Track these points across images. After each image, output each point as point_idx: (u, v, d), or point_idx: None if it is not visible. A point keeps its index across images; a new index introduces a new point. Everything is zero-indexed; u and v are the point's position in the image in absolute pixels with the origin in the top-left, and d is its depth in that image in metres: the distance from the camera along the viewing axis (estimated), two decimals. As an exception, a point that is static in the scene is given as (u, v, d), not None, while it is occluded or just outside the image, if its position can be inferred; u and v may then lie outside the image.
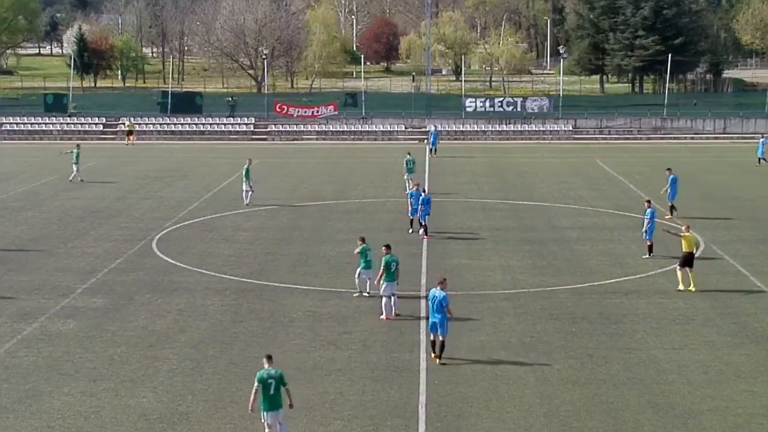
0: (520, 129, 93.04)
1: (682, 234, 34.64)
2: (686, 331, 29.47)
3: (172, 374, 25.58)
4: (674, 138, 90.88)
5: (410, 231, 43.38)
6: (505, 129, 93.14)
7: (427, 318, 27.41)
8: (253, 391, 20.88)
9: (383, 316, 30.34)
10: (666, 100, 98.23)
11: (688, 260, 34.15)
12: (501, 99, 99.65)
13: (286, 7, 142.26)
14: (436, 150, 76.12)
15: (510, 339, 28.68)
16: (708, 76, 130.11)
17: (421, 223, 42.77)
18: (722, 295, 33.58)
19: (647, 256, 38.62)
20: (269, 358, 21.12)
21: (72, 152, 62.32)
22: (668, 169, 49.25)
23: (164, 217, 48.46)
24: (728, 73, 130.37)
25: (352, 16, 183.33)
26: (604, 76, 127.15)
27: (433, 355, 26.30)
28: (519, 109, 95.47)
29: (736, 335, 29.10)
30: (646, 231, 39.03)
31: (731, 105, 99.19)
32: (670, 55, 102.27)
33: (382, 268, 30.69)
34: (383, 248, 31.30)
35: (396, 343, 28.06)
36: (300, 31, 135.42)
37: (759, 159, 69.06)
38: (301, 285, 34.57)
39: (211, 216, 48.87)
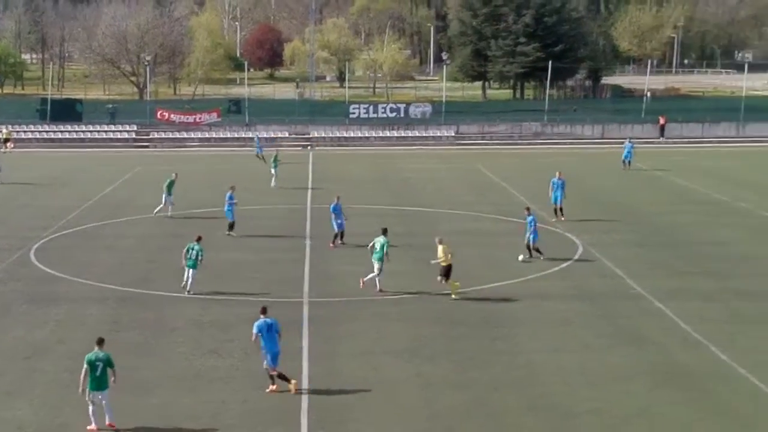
0: (403, 135, 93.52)
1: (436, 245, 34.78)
2: (565, 334, 30.03)
3: (49, 386, 25.18)
4: (555, 143, 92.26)
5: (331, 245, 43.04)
6: (388, 135, 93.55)
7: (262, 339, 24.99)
8: (83, 372, 22.06)
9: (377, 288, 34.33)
10: (547, 106, 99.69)
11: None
12: (385, 105, 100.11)
13: (169, 14, 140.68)
14: (263, 157, 75.25)
15: (393, 344, 28.87)
16: (587, 82, 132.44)
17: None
18: (599, 297, 34.28)
19: (522, 257, 39.24)
20: (100, 342, 22.58)
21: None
22: (559, 172, 49.85)
23: (43, 226, 47.49)
24: (607, 80, 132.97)
25: (236, 23, 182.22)
26: (487, 83, 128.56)
27: (273, 387, 24.74)
28: (402, 115, 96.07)
29: (613, 337, 29.73)
30: (529, 237, 39.68)
31: (610, 111, 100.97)
32: (550, 61, 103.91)
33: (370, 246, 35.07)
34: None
35: (279, 351, 27.99)
36: (183, 38, 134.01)
37: (625, 162, 70.36)
38: (184, 293, 34.25)
39: (93, 224, 48.12)
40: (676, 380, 25.92)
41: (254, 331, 24.89)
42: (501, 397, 24.58)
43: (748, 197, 56.55)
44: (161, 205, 49.98)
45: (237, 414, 23.46)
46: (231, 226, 45.13)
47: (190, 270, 34.32)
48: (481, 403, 24.12)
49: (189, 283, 34.35)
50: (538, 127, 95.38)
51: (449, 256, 33.94)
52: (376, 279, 34.58)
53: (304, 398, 24.36)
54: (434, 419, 23.18)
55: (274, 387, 24.79)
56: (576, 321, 31.40)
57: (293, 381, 24.84)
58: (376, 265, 34.58)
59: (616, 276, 37.47)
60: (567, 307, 32.99)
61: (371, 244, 35.15)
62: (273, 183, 61.15)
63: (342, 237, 42.87)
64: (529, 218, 39.98)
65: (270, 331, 24.77)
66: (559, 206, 48.69)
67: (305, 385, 25.30)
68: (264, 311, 25.28)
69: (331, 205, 43.31)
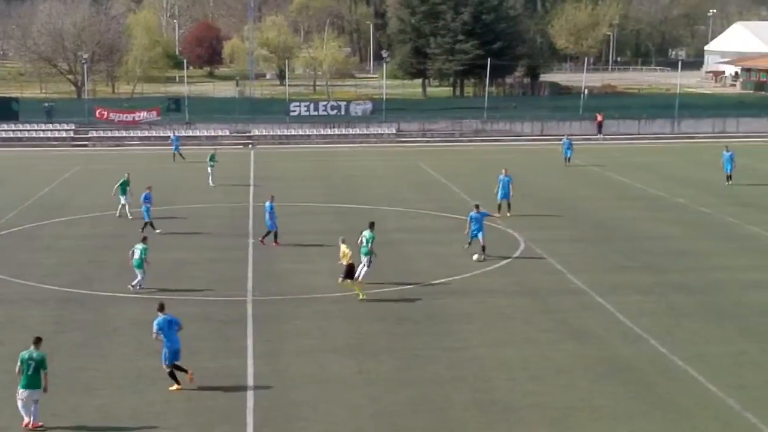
0: (344, 133, 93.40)
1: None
2: (508, 329, 30.32)
3: (-10, 389, 24.94)
4: (495, 140, 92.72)
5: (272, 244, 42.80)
6: (330, 133, 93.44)
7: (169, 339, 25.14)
8: (17, 369, 22.44)
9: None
10: (486, 104, 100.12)
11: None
12: (325, 103, 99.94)
13: (106, 11, 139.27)
14: (181, 155, 74.53)
15: (337, 342, 28.96)
16: (526, 79, 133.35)
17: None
18: (542, 293, 34.62)
19: (477, 256, 39.48)
20: (36, 341, 22.89)
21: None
22: (505, 170, 50.21)
23: (-19, 226, 46.98)
24: (545, 77, 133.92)
25: (174, 20, 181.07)
26: (427, 80, 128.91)
27: (178, 386, 24.96)
28: (343, 113, 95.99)
29: (555, 332, 30.07)
30: (479, 235, 39.79)
31: (548, 108, 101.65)
32: (489, 59, 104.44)
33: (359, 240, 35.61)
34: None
35: (223, 350, 28.01)
36: (121, 35, 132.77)
37: (566, 158, 71.08)
38: (126, 293, 34.08)
39: (31, 225, 47.59)
40: (618, 373, 26.30)
41: (154, 329, 25.07)
42: (445, 392, 24.77)
43: (685, 193, 57.34)
44: (125, 207, 49.31)
45: (182, 413, 23.42)
46: (152, 225, 44.83)
47: (138, 270, 34.34)
48: (425, 399, 24.29)
49: (136, 281, 34.38)
50: (478, 125, 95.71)
51: (349, 256, 33.74)
52: (361, 272, 34.99)
53: (250, 396, 24.39)
54: (379, 416, 23.31)
55: (179, 386, 24.92)
56: (519, 316, 31.70)
57: (190, 370, 25.09)
58: (364, 260, 35.24)
59: (558, 271, 37.85)
60: (509, 302, 33.30)
61: (360, 239, 35.69)
62: (211, 181, 60.65)
63: (267, 236, 42.68)
64: (479, 215, 39.97)
65: (171, 328, 24.97)
66: (507, 201, 49.06)
67: (250, 383, 25.33)
68: (162, 308, 25.47)
69: (267, 204, 42.90)
